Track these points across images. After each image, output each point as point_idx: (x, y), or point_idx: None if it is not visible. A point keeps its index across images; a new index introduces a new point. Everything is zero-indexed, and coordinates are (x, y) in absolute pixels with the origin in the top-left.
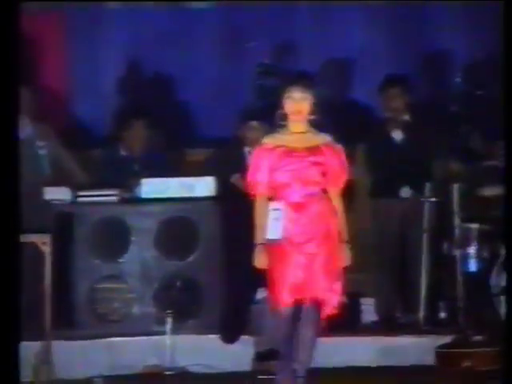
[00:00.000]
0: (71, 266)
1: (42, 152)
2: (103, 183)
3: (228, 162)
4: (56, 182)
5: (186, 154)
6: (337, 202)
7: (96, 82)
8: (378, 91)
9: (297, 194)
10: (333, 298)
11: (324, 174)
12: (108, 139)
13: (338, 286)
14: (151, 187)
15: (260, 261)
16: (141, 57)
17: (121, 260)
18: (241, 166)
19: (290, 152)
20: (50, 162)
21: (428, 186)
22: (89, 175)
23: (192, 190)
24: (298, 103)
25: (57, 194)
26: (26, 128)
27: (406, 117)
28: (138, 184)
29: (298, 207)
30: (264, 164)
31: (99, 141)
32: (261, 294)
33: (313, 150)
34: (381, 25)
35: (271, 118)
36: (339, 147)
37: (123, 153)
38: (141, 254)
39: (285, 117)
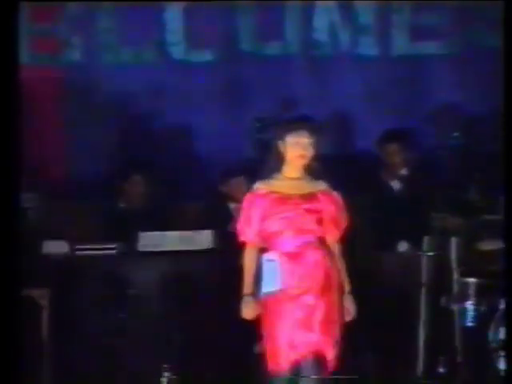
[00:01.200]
0: (69, 320)
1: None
2: (102, 236)
3: (213, 218)
4: (54, 236)
5: (185, 207)
6: (336, 252)
7: (95, 135)
8: (377, 146)
9: (290, 243)
10: (331, 351)
11: (320, 222)
12: (107, 193)
13: (336, 338)
14: (150, 240)
15: (248, 312)
16: (139, 110)
17: (119, 314)
18: (227, 221)
19: (284, 199)
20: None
21: (426, 240)
22: (87, 228)
23: (191, 243)
24: (304, 148)
25: (55, 247)
26: None
27: (404, 171)
28: (136, 237)
29: (292, 257)
30: (256, 211)
31: (98, 194)
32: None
33: (308, 197)
34: (380, 79)
35: (257, 172)
36: (336, 194)
37: (122, 206)
38: (139, 307)
39: (281, 161)
